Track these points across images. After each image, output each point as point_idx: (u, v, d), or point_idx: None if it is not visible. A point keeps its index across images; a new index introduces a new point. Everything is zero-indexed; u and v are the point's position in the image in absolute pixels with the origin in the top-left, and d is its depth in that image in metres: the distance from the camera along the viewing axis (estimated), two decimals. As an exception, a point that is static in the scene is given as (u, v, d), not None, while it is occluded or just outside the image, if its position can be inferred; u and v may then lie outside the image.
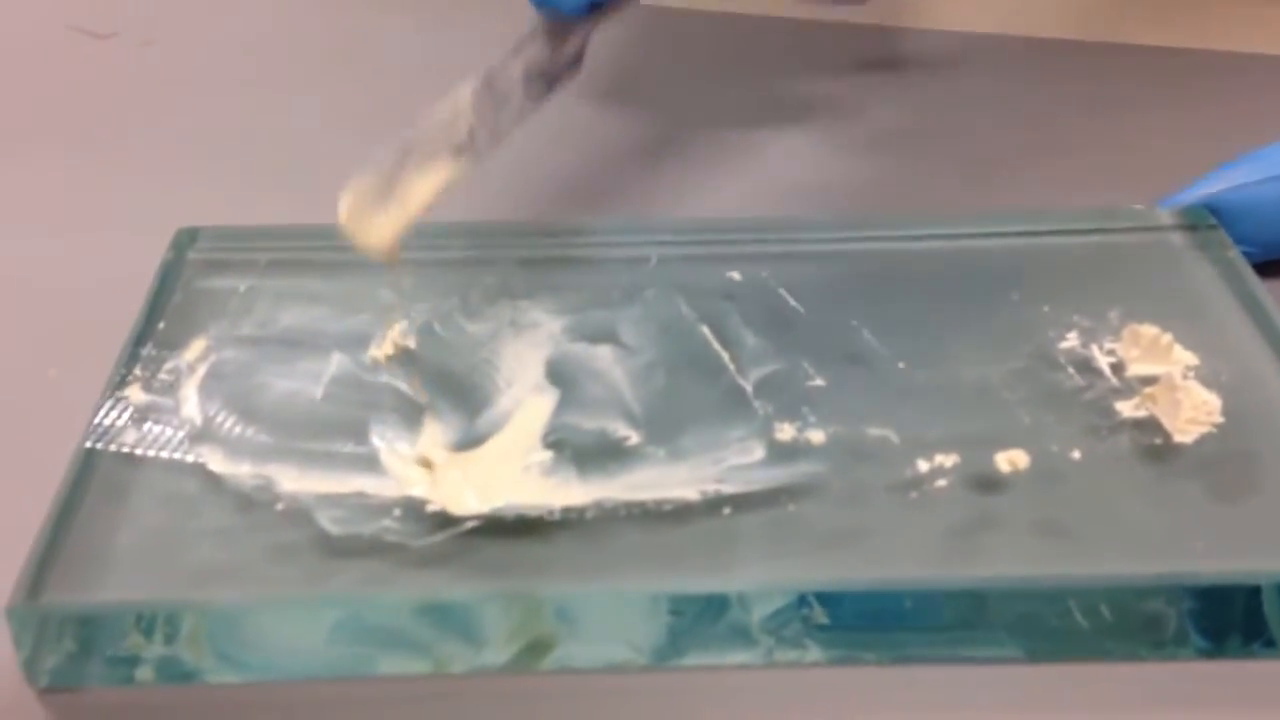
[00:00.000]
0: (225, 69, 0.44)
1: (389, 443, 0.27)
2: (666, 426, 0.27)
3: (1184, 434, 0.27)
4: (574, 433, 0.27)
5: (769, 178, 0.38)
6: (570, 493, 0.26)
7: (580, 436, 0.27)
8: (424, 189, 0.27)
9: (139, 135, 0.41)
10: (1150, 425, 0.27)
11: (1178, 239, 0.32)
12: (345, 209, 0.26)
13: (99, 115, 0.42)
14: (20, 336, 0.32)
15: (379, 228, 0.26)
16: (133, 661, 0.24)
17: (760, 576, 0.24)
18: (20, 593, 0.24)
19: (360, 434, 0.27)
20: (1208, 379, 0.28)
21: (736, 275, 0.32)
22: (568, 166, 0.38)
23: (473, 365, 0.29)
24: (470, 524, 0.25)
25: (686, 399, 0.28)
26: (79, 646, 0.24)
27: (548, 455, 0.27)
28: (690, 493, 0.26)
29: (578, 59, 0.30)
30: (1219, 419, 0.27)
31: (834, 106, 0.41)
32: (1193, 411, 0.27)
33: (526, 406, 0.28)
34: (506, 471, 0.26)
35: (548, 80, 0.29)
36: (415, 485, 0.26)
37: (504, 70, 0.28)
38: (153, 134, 0.41)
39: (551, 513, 0.26)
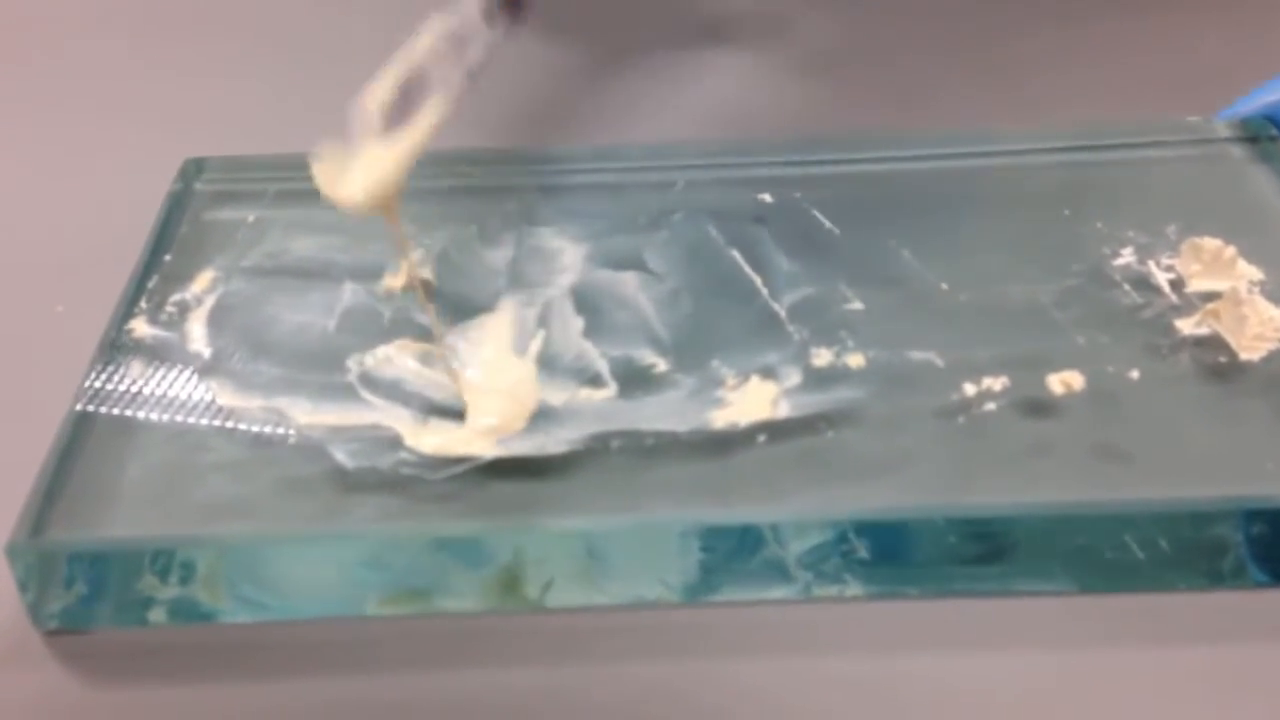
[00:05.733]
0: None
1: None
2: (695, 353, 0.26)
3: (1250, 351, 0.26)
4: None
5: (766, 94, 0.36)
6: (595, 422, 0.25)
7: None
8: (410, 138, 0.26)
9: (145, 65, 0.40)
10: (1213, 343, 0.26)
11: (1237, 151, 0.31)
12: (319, 175, 0.25)
13: (103, 45, 0.41)
14: (26, 271, 0.32)
15: (361, 181, 0.25)
16: (146, 602, 0.23)
17: (797, 508, 0.23)
18: (22, 530, 0.23)
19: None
20: (1274, 294, 0.27)
21: (768, 197, 0.30)
22: (512, 95, 0.36)
23: (492, 294, 0.28)
24: (490, 456, 0.24)
25: (716, 325, 0.27)
26: (89, 588, 0.23)
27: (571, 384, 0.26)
28: (721, 421, 0.25)
29: None
30: (1288, 335, 0.26)
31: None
32: (1260, 327, 0.26)
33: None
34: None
35: (512, 6, 0.28)
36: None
37: (457, 13, 0.27)
38: (159, 64, 0.40)
39: (575, 443, 0.24)
